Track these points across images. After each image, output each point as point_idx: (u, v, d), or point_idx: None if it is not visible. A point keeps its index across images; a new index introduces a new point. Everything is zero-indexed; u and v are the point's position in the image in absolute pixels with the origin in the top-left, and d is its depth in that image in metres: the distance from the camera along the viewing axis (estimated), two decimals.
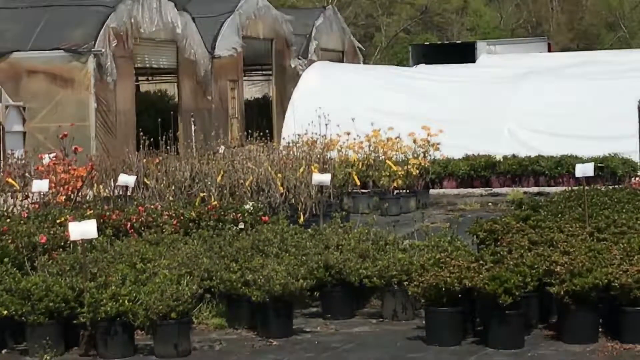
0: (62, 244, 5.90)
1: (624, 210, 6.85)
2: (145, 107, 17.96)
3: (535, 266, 4.72)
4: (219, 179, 9.03)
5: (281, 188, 9.38)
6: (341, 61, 22.64)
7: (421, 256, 5.21)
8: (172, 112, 16.30)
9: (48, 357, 4.28)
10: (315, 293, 5.11)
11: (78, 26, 14.80)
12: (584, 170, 7.10)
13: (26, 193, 8.64)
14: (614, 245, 5.18)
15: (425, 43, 33.57)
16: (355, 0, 38.12)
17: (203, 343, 4.83)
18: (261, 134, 12.44)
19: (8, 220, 6.90)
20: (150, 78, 20.88)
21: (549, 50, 26.18)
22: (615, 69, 16.63)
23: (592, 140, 13.83)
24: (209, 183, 9.06)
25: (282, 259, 5.26)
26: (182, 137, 15.06)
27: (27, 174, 9.36)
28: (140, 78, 19.22)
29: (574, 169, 8.26)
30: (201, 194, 8.81)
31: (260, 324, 4.90)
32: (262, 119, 20.24)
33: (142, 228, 6.79)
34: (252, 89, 23.46)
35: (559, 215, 6.79)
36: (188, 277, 4.79)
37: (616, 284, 4.32)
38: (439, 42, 36.01)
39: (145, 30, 15.34)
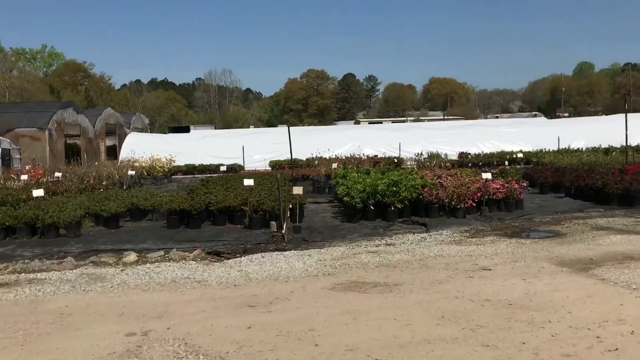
0: (32, 198, 13.13)
1: (233, 181, 16.11)
2: (68, 148, 37.13)
3: (204, 200, 12.93)
4: (94, 173, 17.17)
5: (117, 176, 18.06)
6: (141, 131, 51.43)
7: (167, 198, 13.25)
8: (79, 151, 36.01)
9: (25, 239, 11.72)
10: (127, 212, 13.19)
11: (41, 118, 32.46)
12: (224, 168, 20.26)
13: (19, 180, 17.04)
14: (232, 192, 13.59)
15: (171, 126, 71.79)
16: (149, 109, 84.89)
17: (85, 231, 11.95)
18: (113, 158, 25.98)
19: (8, 189, 14.58)
20: (69, 137, 41.72)
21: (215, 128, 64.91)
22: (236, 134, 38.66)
23: (226, 159, 27.61)
24: (92, 174, 17.63)
25: (114, 201, 13.20)
26: (82, 160, 26.88)
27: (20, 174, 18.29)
28: (66, 137, 39.52)
29: (221, 168, 22.88)
30: (87, 179, 17.14)
31: (108, 224, 12.63)
32: (113, 152, 42.11)
33: (64, 192, 14.66)
34: (109, 141, 47.42)
35: (216, 183, 15.85)
36: (79, 208, 12.53)
37: (229, 204, 12.72)
38: (178, 126, 70.49)
39: (67, 120, 34.53)
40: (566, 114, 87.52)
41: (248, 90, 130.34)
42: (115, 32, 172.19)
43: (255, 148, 29.97)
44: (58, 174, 19.35)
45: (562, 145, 29.37)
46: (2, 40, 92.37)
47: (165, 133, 52.64)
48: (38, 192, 12.85)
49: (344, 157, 25.03)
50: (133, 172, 20.27)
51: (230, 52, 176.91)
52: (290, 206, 12.19)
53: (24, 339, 5.56)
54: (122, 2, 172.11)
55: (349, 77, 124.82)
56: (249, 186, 13.26)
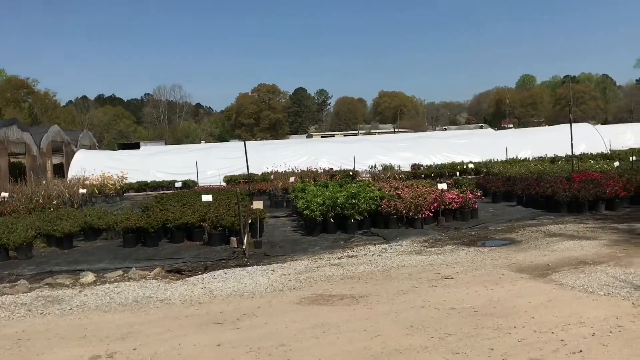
0: None
1: (189, 197, 16.08)
2: (12, 167, 34.77)
3: (161, 217, 12.63)
4: (43, 192, 16.57)
5: (67, 195, 17.52)
6: (89, 148, 48.55)
7: (122, 217, 12.78)
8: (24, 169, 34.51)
9: None
10: (80, 232, 12.76)
11: None
12: (179, 184, 20.83)
13: None
14: (190, 209, 13.40)
15: (121, 143, 67.91)
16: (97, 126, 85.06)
17: (37, 253, 11.44)
18: (60, 176, 25.13)
19: None
20: (12, 156, 39.49)
21: (165, 144, 61.61)
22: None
23: (178, 175, 27.40)
24: (40, 194, 17.00)
25: (67, 220, 12.76)
26: (28, 178, 26.04)
27: None
28: (10, 156, 36.96)
29: (175, 184, 23.14)
30: (36, 199, 16.48)
31: (61, 244, 12.13)
32: (60, 171, 38.77)
33: (12, 213, 14.06)
34: (55, 159, 45.09)
35: (172, 200, 15.57)
36: (30, 229, 12.03)
37: (187, 221, 12.47)
38: (127, 142, 66.88)
39: (11, 138, 32.18)
40: (511, 125, 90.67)
41: (198, 105, 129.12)
42: (59, 47, 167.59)
43: (209, 163, 29.64)
44: (4, 194, 18.61)
45: (510, 155, 30.28)
46: None
47: (114, 150, 51.46)
48: None
49: (300, 171, 25.05)
50: (84, 191, 19.61)
51: (180, 67, 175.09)
52: (250, 221, 12.09)
53: None
54: (65, 17, 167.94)
55: (300, 92, 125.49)
56: (207, 202, 13.06)
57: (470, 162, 28.66)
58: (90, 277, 8.91)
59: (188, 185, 25.96)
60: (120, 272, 9.27)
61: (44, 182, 22.87)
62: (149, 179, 28.06)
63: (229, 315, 6.70)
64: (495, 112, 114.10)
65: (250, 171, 22.47)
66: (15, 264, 10.65)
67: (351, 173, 26.25)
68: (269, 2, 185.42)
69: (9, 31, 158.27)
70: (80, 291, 8.23)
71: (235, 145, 36.90)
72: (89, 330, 6.33)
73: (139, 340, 5.86)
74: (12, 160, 43.13)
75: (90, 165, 27.92)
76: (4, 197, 18.39)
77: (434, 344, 5.41)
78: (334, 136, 71.29)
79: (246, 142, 24.47)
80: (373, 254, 10.22)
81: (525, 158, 30.06)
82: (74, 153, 40.38)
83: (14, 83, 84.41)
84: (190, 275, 9.10)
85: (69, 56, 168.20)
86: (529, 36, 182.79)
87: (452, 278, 8.12)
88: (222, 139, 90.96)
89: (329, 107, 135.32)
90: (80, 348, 5.69)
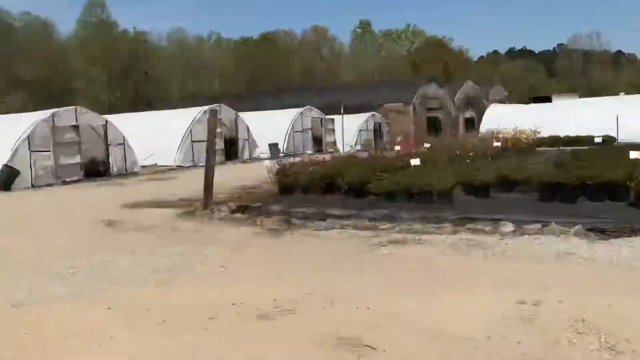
0: (408, 167, 14.66)
1: (609, 154, 13.95)
2: (428, 121, 40.57)
3: (579, 173, 11.98)
4: (459, 144, 17.96)
5: (482, 148, 18.43)
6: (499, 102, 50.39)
7: (537, 171, 12.84)
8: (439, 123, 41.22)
9: (403, 203, 12.89)
10: (496, 183, 13.20)
11: (406, 94, 37.45)
12: (599, 139, 20.41)
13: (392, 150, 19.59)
14: (610, 166, 12.12)
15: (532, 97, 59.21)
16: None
17: (455, 200, 12.33)
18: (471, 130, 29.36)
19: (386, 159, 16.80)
20: (429, 111, 44.45)
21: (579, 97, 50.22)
22: None
23: (593, 130, 27.08)
24: (457, 146, 18.68)
25: (482, 172, 13.32)
26: (444, 132, 28.71)
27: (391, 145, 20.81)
28: (427, 111, 43.34)
29: (594, 139, 22.05)
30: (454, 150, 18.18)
31: (477, 194, 12.89)
32: (471, 125, 46.38)
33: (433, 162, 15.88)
34: (467, 113, 51.47)
35: (587, 156, 14.77)
36: (450, 177, 13.04)
37: (609, 178, 11.41)
38: (539, 96, 56.21)
39: (429, 95, 39.42)
40: None
41: (618, 52, 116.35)
42: (472, 4, 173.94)
43: (633, 116, 26.62)
44: (427, 145, 20.79)
45: None
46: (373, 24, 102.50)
47: (525, 104, 51.39)
48: (415, 161, 13.93)
49: None
50: (498, 144, 20.26)
51: (597, 11, 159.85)
52: None
53: (427, 293, 6.09)
54: None
55: None
56: (635, 159, 11.74)
57: None
58: (509, 227, 9.16)
59: (606, 141, 23.92)
60: (538, 225, 9.22)
61: (460, 134, 24.64)
62: (562, 133, 26.93)
63: None
64: None
65: None
66: (438, 208, 11.72)
67: None
68: None
69: None
70: (500, 239, 8.56)
71: None
72: (511, 276, 6.55)
73: (563, 293, 5.75)
74: (428, 115, 47.80)
75: (502, 119, 28.52)
76: (426, 149, 20.59)
77: None
78: None
79: None
80: None
81: None
82: (484, 107, 41.95)
83: (432, 42, 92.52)
84: (616, 237, 8.40)
85: (481, 11, 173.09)
86: None
87: None
88: None
89: None
90: (506, 291, 5.92)
